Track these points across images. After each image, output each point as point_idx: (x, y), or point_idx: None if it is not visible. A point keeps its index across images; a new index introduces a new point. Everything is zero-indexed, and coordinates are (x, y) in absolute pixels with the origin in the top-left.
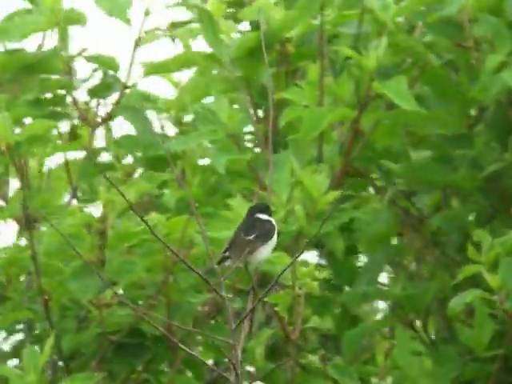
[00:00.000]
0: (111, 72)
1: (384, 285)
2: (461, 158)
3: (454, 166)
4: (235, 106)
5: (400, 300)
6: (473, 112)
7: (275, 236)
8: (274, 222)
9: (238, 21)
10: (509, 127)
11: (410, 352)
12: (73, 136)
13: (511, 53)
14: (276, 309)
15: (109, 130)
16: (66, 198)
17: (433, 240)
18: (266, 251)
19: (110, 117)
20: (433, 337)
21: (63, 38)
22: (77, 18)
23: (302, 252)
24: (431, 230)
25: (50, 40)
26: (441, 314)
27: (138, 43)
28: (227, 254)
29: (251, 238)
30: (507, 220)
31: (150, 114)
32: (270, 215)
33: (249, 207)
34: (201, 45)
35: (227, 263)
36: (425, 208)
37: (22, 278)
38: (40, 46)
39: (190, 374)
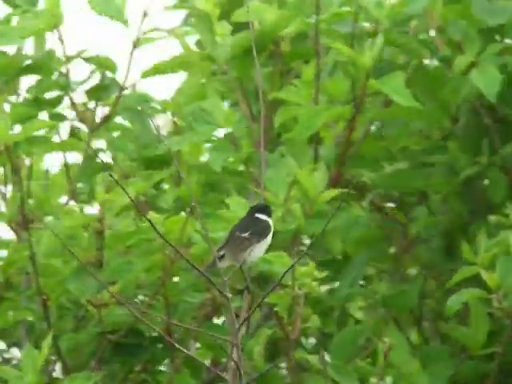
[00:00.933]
0: (109, 73)
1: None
2: (436, 163)
3: (430, 172)
4: (230, 106)
5: (386, 300)
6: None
7: (270, 235)
8: (270, 222)
9: (231, 22)
10: (482, 131)
11: (407, 351)
12: (71, 137)
13: (480, 54)
14: (275, 309)
15: (108, 130)
16: (64, 198)
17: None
18: (260, 249)
19: (108, 118)
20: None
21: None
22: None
23: (304, 254)
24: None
25: (48, 42)
26: (431, 315)
27: (135, 44)
28: (222, 252)
29: (246, 235)
30: (484, 224)
31: (148, 115)
32: (269, 215)
33: (249, 207)
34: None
35: (222, 261)
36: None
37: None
38: (38, 48)
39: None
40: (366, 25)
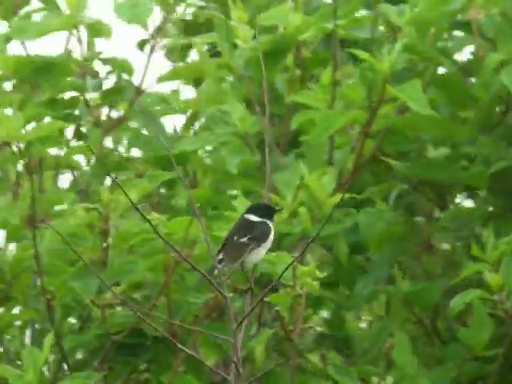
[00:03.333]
0: (125, 75)
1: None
2: (470, 156)
3: (463, 164)
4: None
5: (408, 297)
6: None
7: (270, 239)
8: (270, 225)
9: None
10: None
11: (409, 351)
12: (79, 137)
13: None
14: (276, 308)
15: (126, 130)
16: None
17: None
18: (258, 254)
19: (122, 120)
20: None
21: (88, 42)
22: (101, 30)
23: (303, 253)
24: (437, 228)
25: (71, 42)
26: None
27: (153, 48)
28: (220, 255)
29: (245, 240)
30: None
31: (165, 116)
32: (270, 216)
33: (249, 207)
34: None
35: (221, 266)
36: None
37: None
38: (65, 48)
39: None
40: (385, 31)
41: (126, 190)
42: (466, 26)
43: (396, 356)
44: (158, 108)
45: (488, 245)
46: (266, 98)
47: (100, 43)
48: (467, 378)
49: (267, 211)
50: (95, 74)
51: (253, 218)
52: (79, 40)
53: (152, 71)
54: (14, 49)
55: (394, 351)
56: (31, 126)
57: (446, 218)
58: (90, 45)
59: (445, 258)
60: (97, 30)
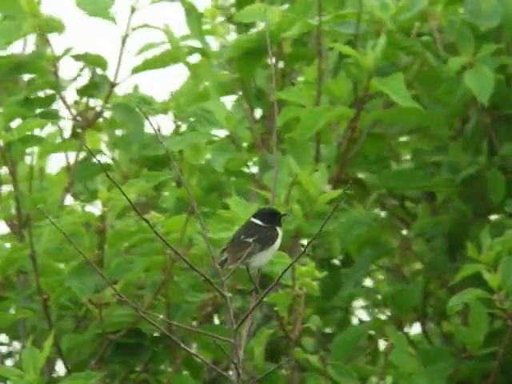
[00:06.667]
0: (100, 70)
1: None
2: (438, 164)
3: (432, 171)
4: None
5: (388, 299)
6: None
7: (276, 243)
8: (278, 229)
9: (234, 22)
10: (482, 131)
11: (406, 351)
12: (73, 136)
13: (475, 55)
14: (276, 309)
15: (110, 130)
16: (63, 197)
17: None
18: (264, 256)
19: (99, 115)
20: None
21: (43, 42)
22: (54, 25)
23: (303, 253)
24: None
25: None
26: (434, 315)
27: (125, 41)
28: (224, 254)
29: (250, 240)
30: (486, 224)
31: (146, 115)
32: (278, 221)
33: (257, 212)
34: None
35: (225, 265)
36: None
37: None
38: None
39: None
40: (370, 26)
41: (123, 189)
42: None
43: (394, 356)
44: (142, 109)
45: (483, 246)
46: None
47: (71, 38)
48: (464, 377)
49: (274, 216)
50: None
51: (261, 223)
52: (46, 39)
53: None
54: None
55: (392, 351)
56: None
57: (419, 226)
58: (43, 41)
59: (424, 262)
60: (50, 25)
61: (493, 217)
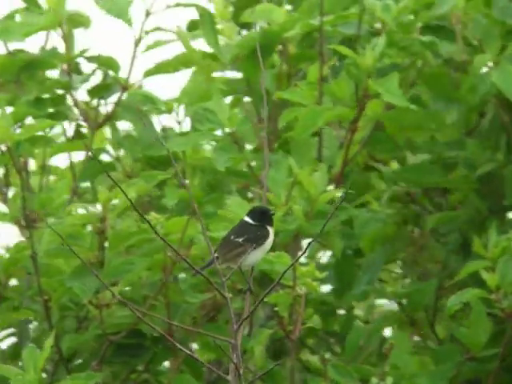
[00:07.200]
0: (111, 72)
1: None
2: (455, 159)
3: (449, 167)
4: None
5: (401, 298)
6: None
7: (267, 243)
8: (268, 228)
9: (239, 22)
10: (501, 128)
11: (408, 351)
12: (76, 136)
13: (501, 53)
14: (276, 309)
15: (114, 129)
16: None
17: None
18: (254, 256)
19: (109, 117)
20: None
21: (67, 38)
22: (80, 21)
23: (304, 252)
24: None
25: (53, 40)
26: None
27: (138, 43)
28: (216, 254)
29: (240, 240)
30: (502, 221)
31: (151, 115)
32: (269, 220)
33: (249, 211)
34: (200, 44)
35: (218, 263)
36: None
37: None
38: (43, 47)
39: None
40: (372, 27)
41: (124, 189)
42: (439, 29)
43: (395, 356)
44: (146, 108)
45: (489, 242)
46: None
47: (85, 40)
48: (465, 378)
49: (265, 215)
50: (78, 69)
51: (251, 221)
52: (64, 37)
53: (139, 66)
54: None
55: (393, 351)
56: (18, 125)
57: (434, 221)
58: (70, 37)
59: (438, 260)
60: (76, 20)
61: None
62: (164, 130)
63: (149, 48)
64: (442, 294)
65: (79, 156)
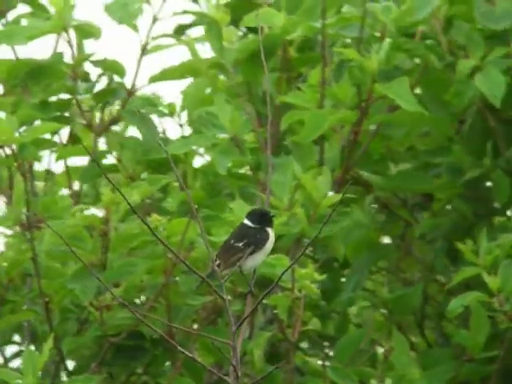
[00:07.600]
0: (117, 77)
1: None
2: (440, 165)
3: (434, 173)
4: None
5: (387, 303)
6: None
7: (267, 246)
8: (270, 232)
9: (239, 26)
10: (486, 133)
11: (407, 354)
12: (73, 139)
13: (484, 58)
14: (275, 311)
15: (115, 133)
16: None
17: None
18: (255, 259)
19: (114, 121)
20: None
21: (77, 47)
22: (91, 31)
23: (302, 254)
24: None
25: (61, 44)
26: (435, 318)
27: (144, 49)
28: (217, 260)
29: (240, 245)
30: (487, 227)
31: (154, 118)
32: (269, 222)
33: (248, 213)
34: (205, 51)
35: (219, 269)
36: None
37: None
38: (55, 51)
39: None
40: (373, 29)
41: (126, 192)
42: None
43: (394, 359)
44: (147, 111)
45: (481, 249)
46: (268, 99)
47: (91, 45)
48: (464, 380)
49: (265, 217)
50: (86, 77)
51: (251, 224)
52: (69, 42)
53: (144, 71)
54: (2, 53)
55: (392, 354)
56: (23, 128)
57: (421, 228)
58: (80, 47)
59: (424, 265)
60: (86, 31)
61: (496, 220)
62: (165, 133)
63: (151, 51)
64: (429, 299)
65: (80, 160)
